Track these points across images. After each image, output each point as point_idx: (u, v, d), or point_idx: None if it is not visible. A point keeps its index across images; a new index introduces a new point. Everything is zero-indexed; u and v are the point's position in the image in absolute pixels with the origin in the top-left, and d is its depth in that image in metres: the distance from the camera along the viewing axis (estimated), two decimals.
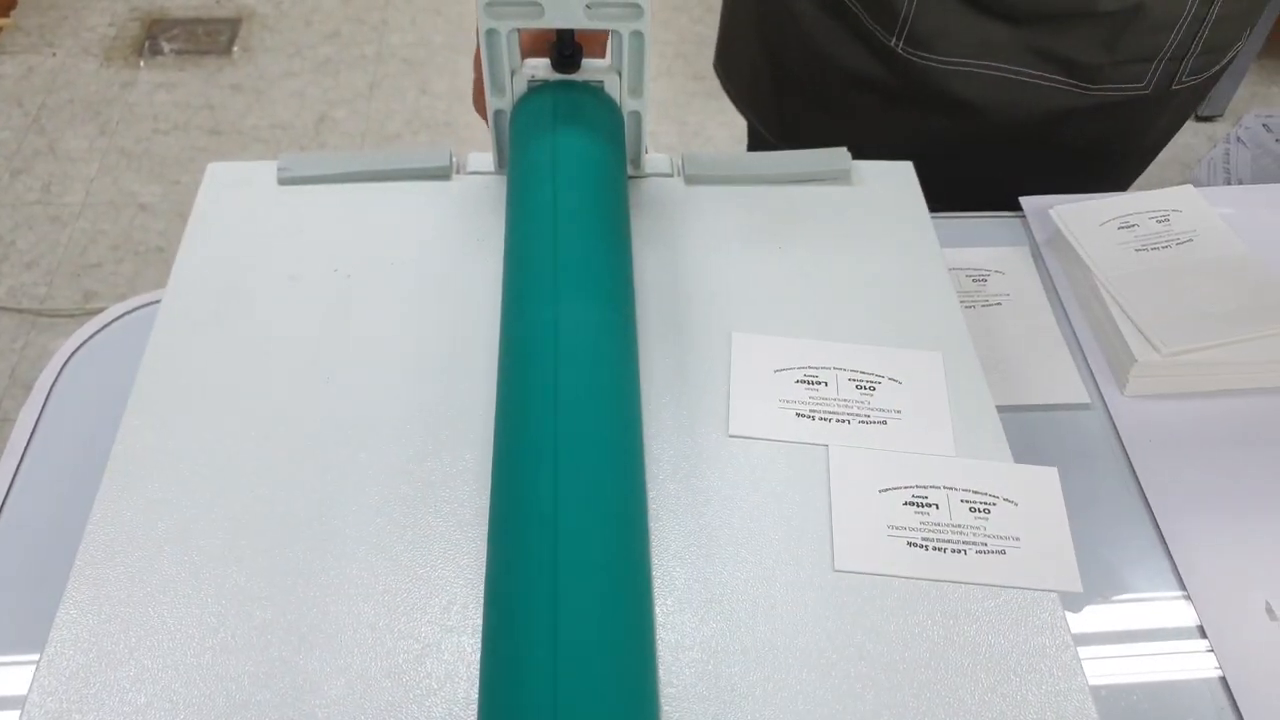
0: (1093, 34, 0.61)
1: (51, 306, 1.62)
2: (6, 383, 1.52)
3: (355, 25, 2.12)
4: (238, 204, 0.55)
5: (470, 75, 0.56)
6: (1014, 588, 0.40)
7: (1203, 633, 0.45)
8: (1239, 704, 0.42)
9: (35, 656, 0.38)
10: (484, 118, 0.54)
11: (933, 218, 0.59)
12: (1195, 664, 0.44)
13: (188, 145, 1.88)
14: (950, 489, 0.43)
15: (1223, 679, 0.43)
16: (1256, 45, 1.64)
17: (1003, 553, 0.41)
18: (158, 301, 0.63)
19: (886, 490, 0.43)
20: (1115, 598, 0.47)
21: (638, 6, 0.46)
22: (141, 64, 2.03)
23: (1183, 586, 0.46)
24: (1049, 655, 0.38)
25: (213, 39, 2.09)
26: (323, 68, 2.03)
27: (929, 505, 0.42)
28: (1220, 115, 1.88)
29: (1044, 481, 0.43)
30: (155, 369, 0.47)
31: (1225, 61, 0.68)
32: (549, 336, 0.42)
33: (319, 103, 1.96)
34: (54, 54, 2.06)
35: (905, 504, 0.42)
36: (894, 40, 0.65)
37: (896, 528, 0.42)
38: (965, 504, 0.42)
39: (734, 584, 0.40)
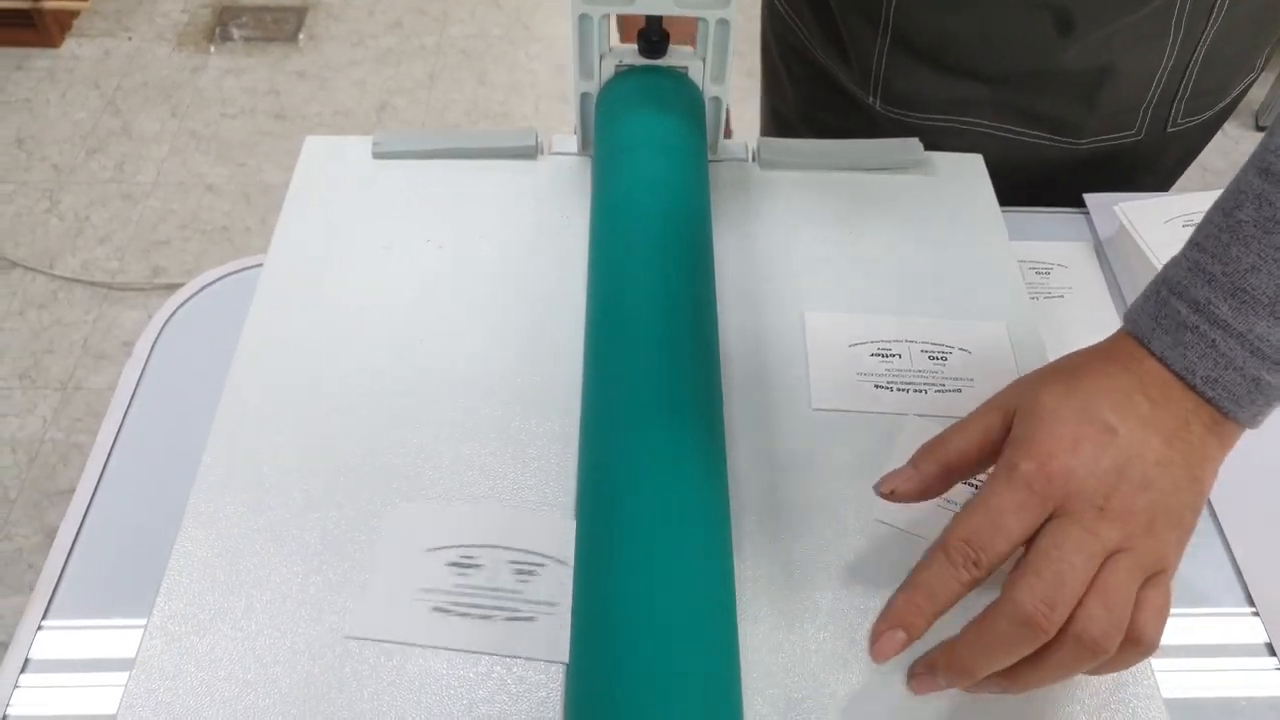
0: (1067, 92, 0.61)
1: (122, 280, 1.68)
2: (80, 353, 1.58)
3: (416, 16, 2.17)
4: (333, 176, 0.58)
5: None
6: None
7: (1272, 650, 0.45)
8: None
9: (143, 621, 0.40)
10: None
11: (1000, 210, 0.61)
12: (1267, 681, 0.44)
13: (253, 129, 1.93)
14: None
15: None
16: None
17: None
18: (236, 273, 0.67)
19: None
20: (1182, 612, 0.47)
21: None
22: (212, 49, 2.09)
23: (1251, 603, 0.47)
24: None
25: (280, 27, 2.14)
26: (384, 57, 2.07)
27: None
28: None
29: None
30: (259, 329, 0.50)
31: (1232, 99, 0.66)
32: (633, 313, 0.44)
33: (380, 91, 2.00)
34: (129, 38, 2.12)
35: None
36: (871, 99, 0.65)
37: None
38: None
39: (807, 552, 0.42)
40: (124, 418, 0.59)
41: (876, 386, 0.48)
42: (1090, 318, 0.58)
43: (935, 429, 0.39)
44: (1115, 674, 0.39)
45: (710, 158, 0.58)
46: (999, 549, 0.34)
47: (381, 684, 0.38)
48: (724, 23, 0.50)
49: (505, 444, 0.45)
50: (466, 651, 0.39)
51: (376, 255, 0.54)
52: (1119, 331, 0.39)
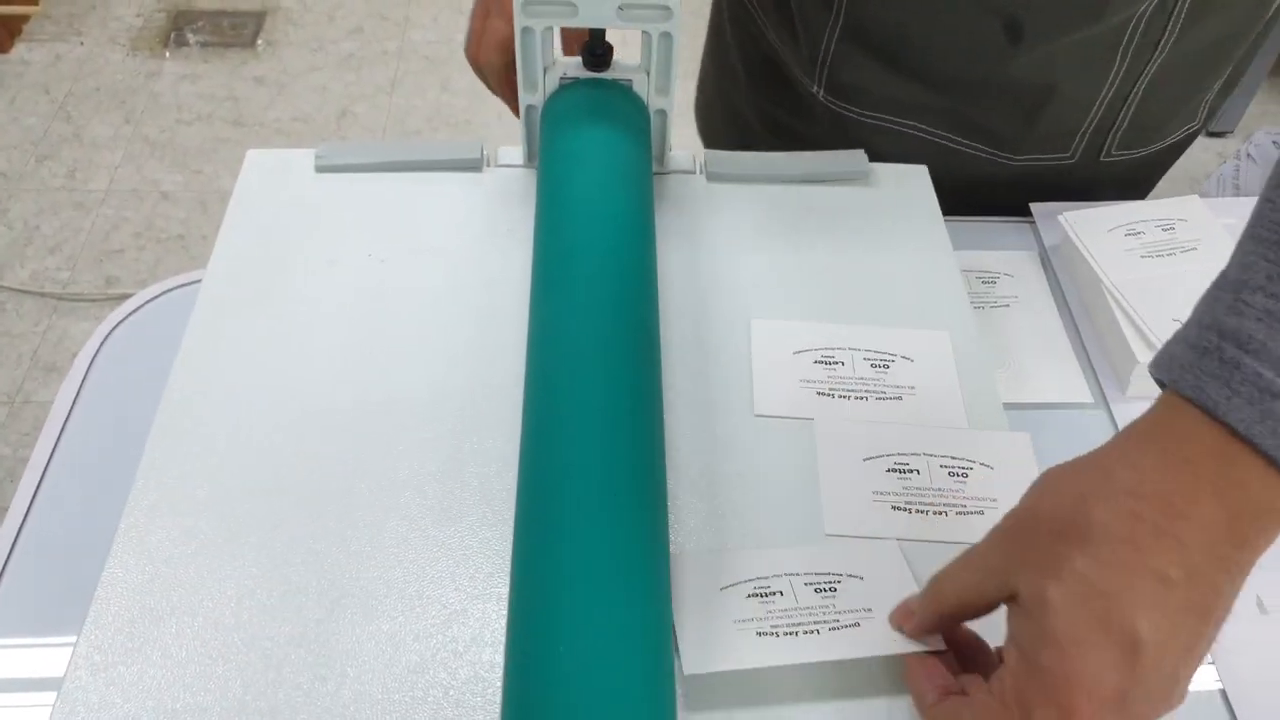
0: (1009, 106, 0.61)
1: (73, 291, 1.65)
2: (29, 365, 1.54)
3: (378, 21, 2.15)
4: (276, 190, 0.57)
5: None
6: None
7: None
8: (1232, 703, 0.43)
9: (73, 638, 0.39)
10: (477, 71, 0.56)
11: (945, 221, 0.61)
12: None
13: (210, 136, 1.91)
14: (929, 455, 0.45)
15: (1222, 692, 0.44)
16: (1268, 62, 1.65)
17: (981, 513, 0.43)
18: (186, 285, 0.66)
19: (870, 459, 0.45)
20: None
21: (667, 9, 0.48)
22: (167, 54, 2.06)
23: None
24: None
25: (237, 32, 2.12)
26: (345, 63, 2.05)
27: (910, 471, 0.44)
28: (1231, 132, 1.90)
29: (1018, 446, 0.45)
30: (196, 345, 0.49)
31: (1170, 144, 0.67)
32: (575, 324, 0.44)
33: (341, 97, 1.98)
34: (81, 43, 2.09)
35: (888, 471, 0.44)
36: (815, 87, 0.64)
37: (880, 493, 0.44)
38: (944, 469, 0.44)
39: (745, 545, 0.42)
40: (60, 434, 0.57)
41: (819, 394, 0.48)
42: (1035, 325, 0.58)
43: (845, 433, 0.39)
44: None
45: (657, 170, 0.58)
46: None
47: (315, 711, 0.37)
48: (667, 36, 0.50)
49: (446, 464, 0.45)
50: (814, 662, 0.38)
51: (319, 271, 0.53)
52: (1165, 406, 0.31)
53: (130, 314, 0.66)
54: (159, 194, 1.81)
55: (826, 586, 0.40)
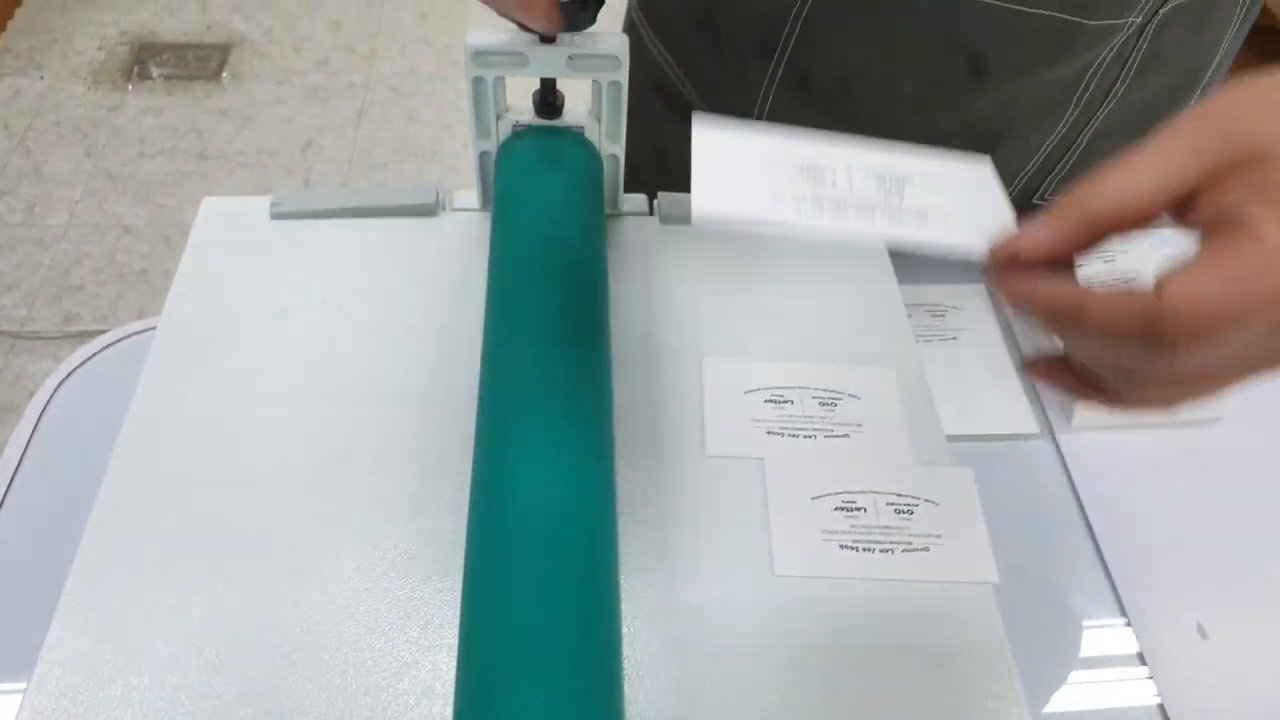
0: (960, 149, 0.62)
1: (31, 329, 1.63)
2: None
3: (345, 53, 2.16)
4: (231, 238, 0.57)
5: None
6: (937, 582, 0.43)
7: (1143, 659, 0.47)
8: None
9: (23, 685, 0.39)
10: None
11: (893, 255, 0.63)
12: (1136, 691, 0.47)
13: (174, 169, 1.90)
14: (876, 493, 0.46)
15: (1160, 706, 0.45)
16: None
17: (926, 550, 0.44)
18: (144, 331, 0.66)
19: (819, 497, 0.46)
20: (1060, 626, 0.49)
21: (615, 59, 0.49)
22: (130, 88, 2.05)
23: (1124, 613, 0.49)
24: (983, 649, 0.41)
25: (202, 64, 2.11)
26: (311, 95, 2.06)
27: (858, 509, 0.45)
28: None
29: (962, 482, 0.46)
30: (149, 397, 0.49)
31: None
32: (526, 370, 0.44)
33: (306, 129, 1.98)
34: (42, 77, 2.07)
35: (836, 509, 0.45)
36: None
37: (829, 532, 0.44)
38: (890, 506, 0.45)
39: (696, 596, 0.42)
40: (11, 480, 0.57)
41: (768, 433, 0.48)
42: (983, 357, 0.60)
43: (794, 472, 0.40)
44: (983, 690, 0.40)
45: (610, 212, 0.59)
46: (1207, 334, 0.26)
47: None
48: (615, 84, 0.51)
49: (399, 513, 0.45)
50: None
51: (272, 319, 0.53)
52: None
53: (86, 360, 0.65)
54: (121, 228, 1.80)
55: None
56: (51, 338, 1.61)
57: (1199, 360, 0.27)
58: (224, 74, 2.09)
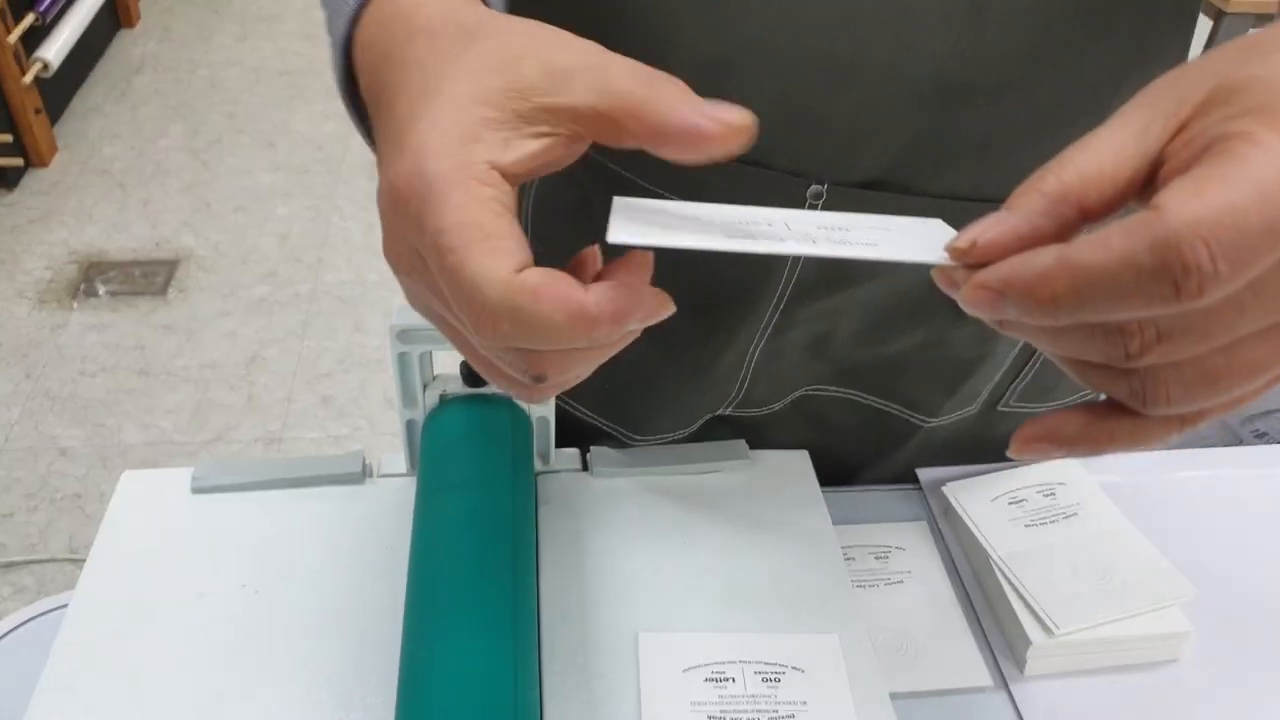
0: (938, 375, 0.61)
1: None
2: None
3: (292, 264, 2.20)
4: (149, 515, 0.55)
5: None
6: None
7: None
8: None
9: None
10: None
11: (831, 492, 0.62)
12: None
13: (114, 387, 1.88)
14: None
15: None
16: None
17: None
18: (55, 610, 0.62)
19: None
20: None
21: None
22: (75, 306, 2.06)
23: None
24: None
25: (149, 280, 2.13)
26: (257, 307, 2.07)
27: None
28: None
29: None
30: (52, 690, 0.46)
31: (1067, 401, 0.66)
32: (443, 655, 0.42)
33: (251, 342, 1.99)
34: None
35: None
36: (727, 408, 0.62)
37: None
38: None
39: None
40: None
41: (710, 717, 0.46)
42: (930, 601, 0.58)
43: None
44: None
45: (541, 469, 0.58)
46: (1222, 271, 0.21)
47: None
48: None
49: None
50: None
51: (188, 603, 0.51)
52: None
53: None
54: (56, 450, 1.75)
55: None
56: None
57: (1231, 312, 0.23)
58: (170, 289, 2.11)
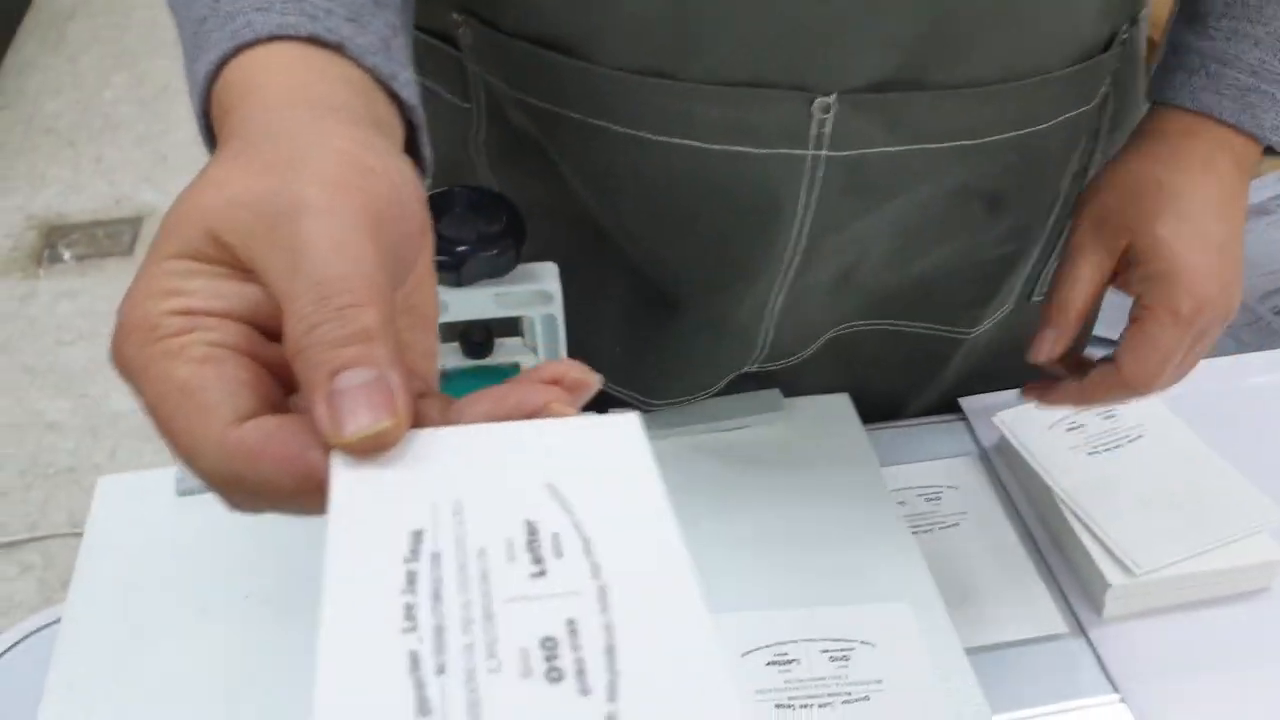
0: (978, 280, 0.57)
1: None
2: None
3: None
4: (134, 522, 0.51)
5: None
6: None
7: None
8: None
9: None
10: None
11: (873, 429, 0.57)
12: None
13: (95, 355, 1.81)
14: None
15: None
16: None
17: None
18: (46, 627, 0.57)
19: None
20: (1055, 709, 0.46)
21: (548, 295, 0.44)
22: (41, 273, 1.97)
23: (1116, 689, 0.46)
24: None
25: (114, 240, 2.04)
26: None
27: None
28: None
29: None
30: (55, 705, 0.43)
31: None
32: None
33: None
34: None
35: None
36: (752, 365, 0.57)
37: None
38: None
39: None
40: None
41: (777, 706, 0.42)
42: (990, 544, 0.54)
43: None
44: None
45: None
46: (1162, 385, 0.43)
47: None
48: (550, 318, 0.46)
49: None
50: None
51: (189, 622, 0.46)
52: (1160, 117, 0.45)
53: None
54: (44, 425, 1.70)
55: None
56: None
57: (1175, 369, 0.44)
58: (137, 248, 2.02)
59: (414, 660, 0.18)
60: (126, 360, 0.23)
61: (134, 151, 2.23)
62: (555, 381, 0.24)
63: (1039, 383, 0.48)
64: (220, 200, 0.23)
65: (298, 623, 0.45)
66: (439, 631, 0.19)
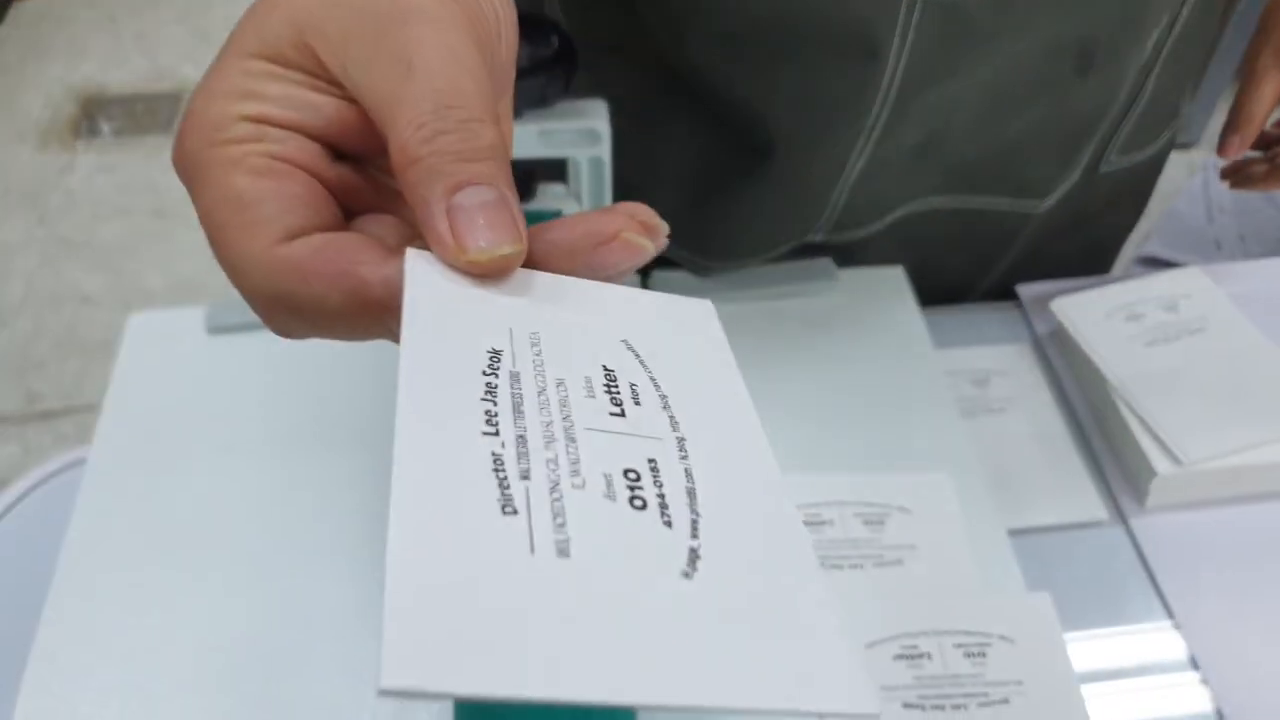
0: (1054, 144, 0.54)
1: None
2: None
3: None
4: (163, 360, 0.50)
5: None
6: None
7: (1195, 664, 0.43)
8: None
9: None
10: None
11: (926, 313, 0.55)
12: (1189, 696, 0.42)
13: (132, 231, 1.81)
14: (941, 634, 0.39)
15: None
16: (1227, 72, 1.63)
17: (1005, 701, 0.37)
18: (72, 467, 0.58)
19: (874, 644, 0.38)
20: (1104, 631, 0.45)
21: (596, 134, 0.42)
22: (79, 146, 1.97)
23: (1171, 615, 0.45)
24: None
25: (153, 116, 2.03)
26: None
27: (921, 656, 0.38)
28: (1197, 142, 1.87)
29: (1039, 612, 0.40)
30: (78, 547, 0.42)
31: (1158, 149, 0.60)
32: None
33: None
34: None
35: (896, 658, 0.38)
36: (818, 235, 0.55)
37: (888, 688, 0.37)
38: (959, 649, 0.38)
39: None
40: None
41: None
42: (1035, 431, 0.52)
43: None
44: (1042, 701, 0.37)
45: None
46: None
47: None
48: (598, 160, 0.44)
49: (351, 687, 0.37)
50: None
51: (216, 460, 0.46)
52: None
53: (11, 506, 0.58)
54: (80, 298, 1.71)
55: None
56: (15, 420, 1.53)
57: None
58: (175, 125, 2.00)
59: (497, 461, 0.17)
60: (186, 157, 0.22)
61: (175, 27, 2.20)
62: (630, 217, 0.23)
63: (1232, 164, 0.57)
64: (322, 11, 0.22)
65: (326, 460, 0.45)
66: (521, 441, 0.18)
